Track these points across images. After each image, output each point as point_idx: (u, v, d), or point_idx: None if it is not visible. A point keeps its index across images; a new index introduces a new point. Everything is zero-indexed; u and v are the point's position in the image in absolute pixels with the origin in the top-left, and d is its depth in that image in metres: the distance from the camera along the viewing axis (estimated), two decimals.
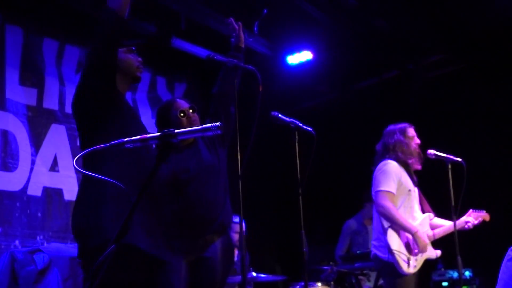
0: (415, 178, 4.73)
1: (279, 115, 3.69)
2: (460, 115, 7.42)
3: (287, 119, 3.70)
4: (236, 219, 3.82)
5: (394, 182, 4.54)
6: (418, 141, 4.77)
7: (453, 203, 4.43)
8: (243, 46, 3.92)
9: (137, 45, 3.13)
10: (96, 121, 2.86)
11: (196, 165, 3.61)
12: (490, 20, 6.75)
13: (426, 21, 6.93)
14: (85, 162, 2.92)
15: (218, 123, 2.19)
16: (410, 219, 4.57)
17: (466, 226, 4.79)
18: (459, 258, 4.33)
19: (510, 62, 7.03)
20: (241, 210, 3.12)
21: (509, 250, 3.50)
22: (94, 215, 2.81)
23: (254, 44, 7.08)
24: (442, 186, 4.51)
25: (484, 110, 7.28)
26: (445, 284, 6.42)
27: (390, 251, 4.40)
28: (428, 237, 4.62)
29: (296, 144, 3.65)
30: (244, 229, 3.48)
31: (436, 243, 4.75)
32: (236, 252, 5.53)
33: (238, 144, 3.22)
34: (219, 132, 2.19)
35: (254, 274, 5.39)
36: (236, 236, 5.20)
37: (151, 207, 2.94)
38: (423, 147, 4.66)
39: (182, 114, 3.62)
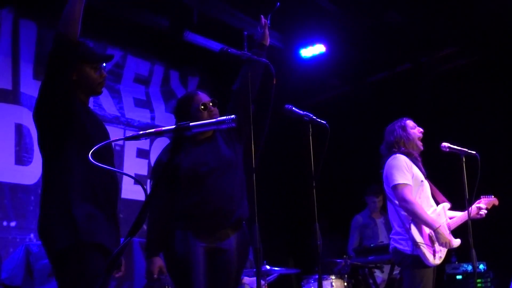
0: (423, 169, 4.71)
1: (293, 108, 3.67)
2: (473, 107, 7.38)
3: (301, 112, 3.67)
4: None
5: (408, 173, 4.52)
6: (421, 129, 4.77)
7: (467, 196, 4.41)
8: (267, 44, 3.86)
9: (104, 62, 3.25)
10: (54, 127, 2.99)
11: (215, 158, 3.61)
12: (503, 13, 6.71)
13: (439, 14, 6.90)
14: (51, 160, 3.01)
15: (232, 116, 2.19)
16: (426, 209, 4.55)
17: (479, 213, 4.76)
18: (473, 251, 4.30)
19: None
20: (255, 203, 3.13)
21: None
22: (50, 218, 2.93)
23: None
24: (455, 179, 4.49)
25: (497, 103, 7.23)
26: (459, 277, 6.39)
27: (415, 244, 4.37)
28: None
29: (310, 137, 3.62)
30: None
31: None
32: None
33: (252, 137, 3.22)
34: (233, 125, 2.19)
35: (267, 267, 5.40)
36: None
37: (112, 203, 3.03)
38: (436, 140, 4.63)
39: (203, 107, 3.62)
